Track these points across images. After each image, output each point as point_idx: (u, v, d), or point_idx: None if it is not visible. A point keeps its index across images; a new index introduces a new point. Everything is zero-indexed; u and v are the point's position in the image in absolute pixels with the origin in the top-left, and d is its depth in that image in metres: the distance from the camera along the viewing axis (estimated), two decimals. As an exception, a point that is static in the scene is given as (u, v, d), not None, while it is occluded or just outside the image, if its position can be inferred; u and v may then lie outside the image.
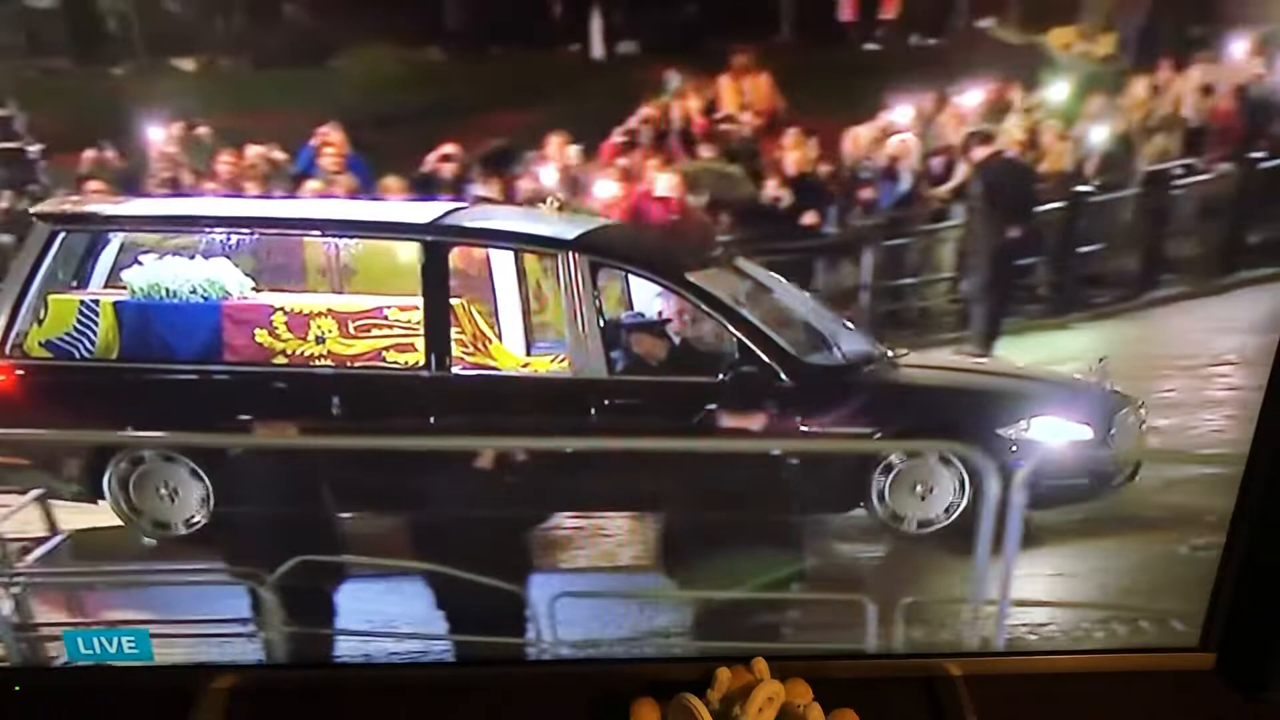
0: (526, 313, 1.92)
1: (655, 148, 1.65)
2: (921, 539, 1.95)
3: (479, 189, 1.67)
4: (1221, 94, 1.61)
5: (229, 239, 1.78)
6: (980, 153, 1.67)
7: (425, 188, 1.68)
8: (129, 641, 1.97)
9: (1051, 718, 2.03)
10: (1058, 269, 1.77)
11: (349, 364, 1.84)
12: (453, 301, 1.84)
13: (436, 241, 1.78)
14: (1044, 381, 1.87)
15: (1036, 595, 1.98)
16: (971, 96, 1.63)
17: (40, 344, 1.84)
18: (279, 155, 1.66)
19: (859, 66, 1.59)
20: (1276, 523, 1.87)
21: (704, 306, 1.83)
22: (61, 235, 1.81)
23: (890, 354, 1.86)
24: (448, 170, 1.65)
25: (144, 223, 1.78)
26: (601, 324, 1.83)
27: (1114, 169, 1.66)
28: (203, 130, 1.62)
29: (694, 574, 2.00)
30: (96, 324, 1.84)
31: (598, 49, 1.56)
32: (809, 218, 1.73)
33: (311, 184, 1.67)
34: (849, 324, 1.85)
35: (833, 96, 1.62)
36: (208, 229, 1.77)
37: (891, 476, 1.91)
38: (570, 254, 1.80)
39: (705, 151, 1.66)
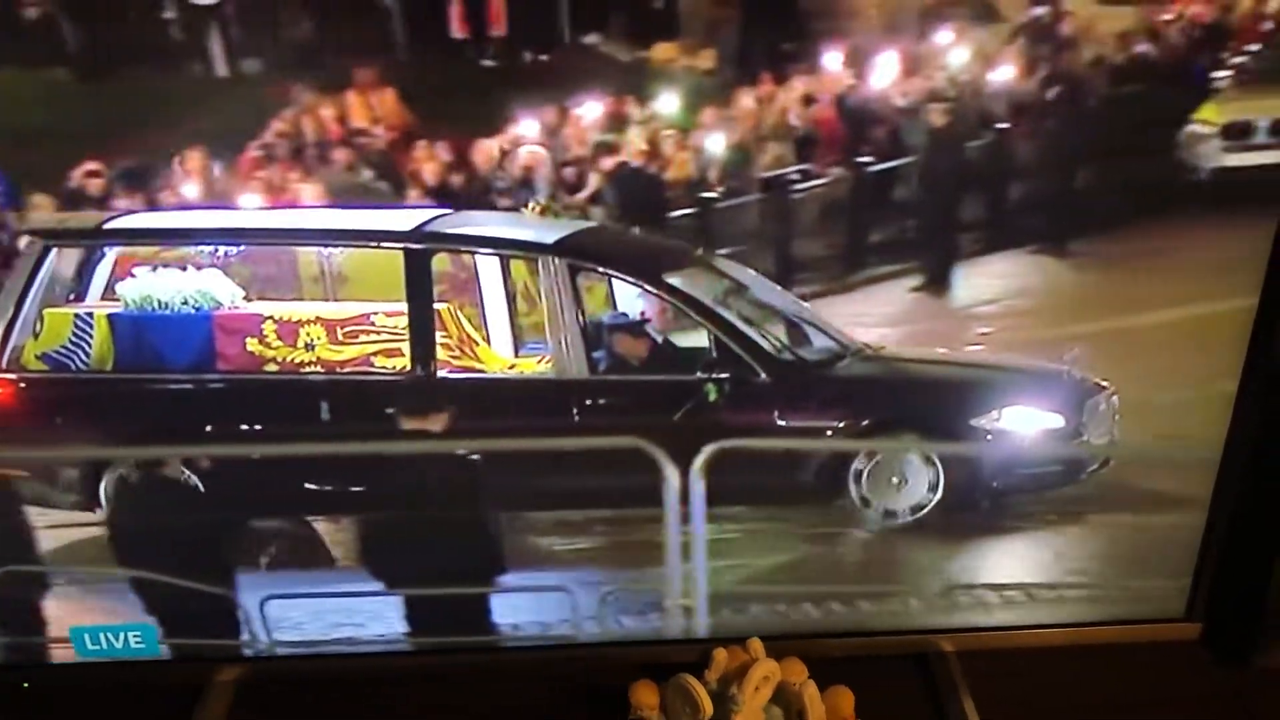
0: (514, 315, 1.96)
1: (294, 161, 1.71)
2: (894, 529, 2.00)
3: (122, 203, 1.72)
4: (823, 104, 1.72)
5: (216, 250, 1.81)
6: (608, 163, 1.76)
7: (73, 203, 1.72)
8: (135, 636, 1.99)
9: (1042, 689, 2.07)
10: (696, 271, 1.87)
11: (339, 369, 1.86)
12: (439, 306, 1.87)
13: (418, 249, 1.82)
14: (1017, 371, 1.92)
15: (1018, 576, 2.04)
16: (591, 109, 1.72)
17: (37, 357, 1.86)
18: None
19: (480, 82, 1.67)
20: (1259, 492, 1.93)
21: (682, 306, 1.88)
22: (54, 250, 1.83)
23: (868, 348, 1.91)
24: (94, 186, 1.70)
25: (133, 237, 1.81)
26: (582, 325, 1.87)
27: (735, 175, 1.76)
28: None
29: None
30: (91, 337, 1.85)
31: (221, 67, 1.62)
32: (457, 226, 1.80)
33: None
34: (825, 320, 1.90)
35: (460, 111, 1.70)
36: (194, 241, 1.80)
37: (869, 467, 1.96)
38: (550, 258, 1.84)
39: (344, 162, 1.73)
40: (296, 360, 1.86)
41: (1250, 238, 1.76)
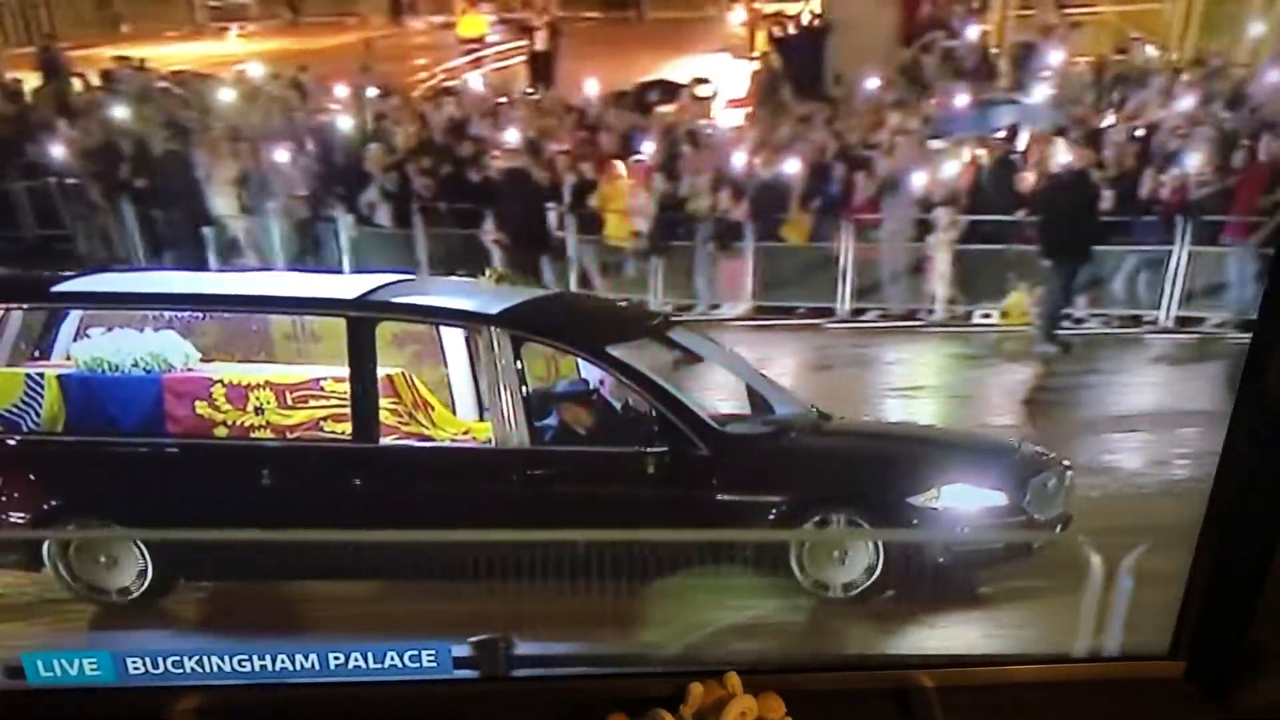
0: (478, 378, 1.93)
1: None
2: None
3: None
4: None
5: (162, 314, 1.82)
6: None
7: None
8: (91, 663, 1.93)
9: (1024, 726, 2.04)
10: None
11: (288, 434, 1.83)
12: (392, 371, 1.85)
13: (360, 317, 1.80)
14: (963, 445, 1.92)
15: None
16: None
17: None
18: None
19: None
20: (1242, 536, 1.89)
21: (623, 378, 1.85)
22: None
23: (823, 418, 1.89)
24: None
25: (80, 301, 1.82)
26: (525, 396, 1.82)
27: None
28: None
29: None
30: (42, 396, 1.82)
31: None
32: None
33: None
34: (783, 389, 1.90)
35: None
36: (138, 307, 1.80)
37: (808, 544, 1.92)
38: (491, 329, 1.81)
39: None
40: (246, 424, 1.83)
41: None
